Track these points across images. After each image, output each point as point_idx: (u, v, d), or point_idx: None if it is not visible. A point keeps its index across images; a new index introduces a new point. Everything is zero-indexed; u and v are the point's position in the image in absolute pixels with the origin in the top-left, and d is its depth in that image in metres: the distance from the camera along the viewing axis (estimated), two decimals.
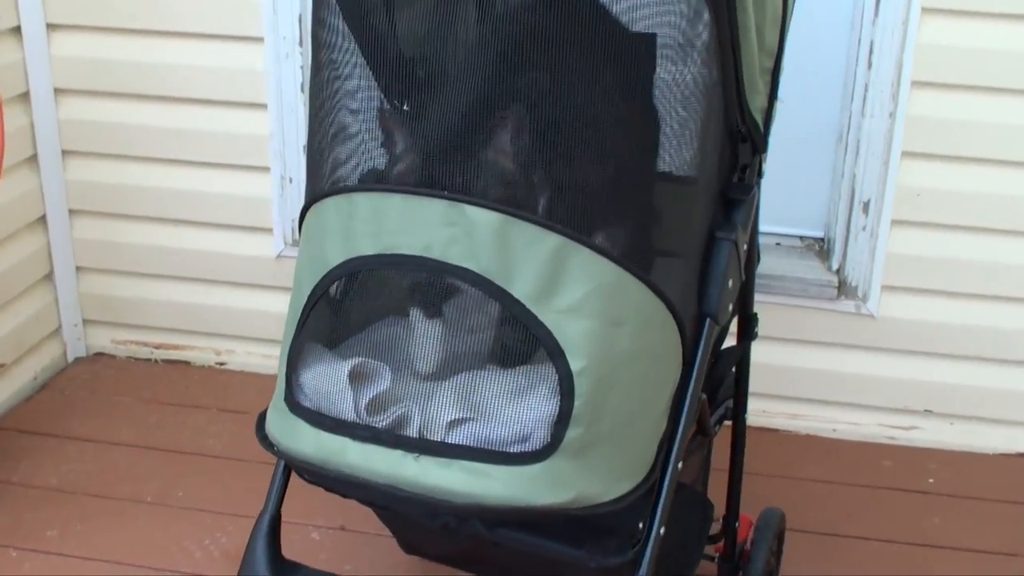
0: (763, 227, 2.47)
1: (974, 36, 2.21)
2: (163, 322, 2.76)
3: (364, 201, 1.23)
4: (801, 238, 2.55)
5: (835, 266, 2.44)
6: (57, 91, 2.57)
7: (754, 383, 2.48)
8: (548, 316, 1.17)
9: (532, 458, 1.18)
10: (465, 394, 1.23)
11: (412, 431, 1.22)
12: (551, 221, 1.18)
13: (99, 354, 2.80)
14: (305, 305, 1.28)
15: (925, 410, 2.48)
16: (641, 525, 1.30)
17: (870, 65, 2.27)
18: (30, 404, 2.60)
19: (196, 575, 2.03)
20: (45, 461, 2.36)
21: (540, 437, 1.19)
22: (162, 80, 2.53)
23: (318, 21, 1.31)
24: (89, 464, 2.36)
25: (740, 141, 1.40)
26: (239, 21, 2.45)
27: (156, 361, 2.78)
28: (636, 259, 1.22)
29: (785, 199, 2.51)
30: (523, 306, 1.16)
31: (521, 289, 1.17)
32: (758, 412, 2.45)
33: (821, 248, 2.52)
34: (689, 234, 1.33)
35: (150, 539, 2.13)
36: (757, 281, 2.37)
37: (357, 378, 1.27)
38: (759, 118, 1.42)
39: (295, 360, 1.30)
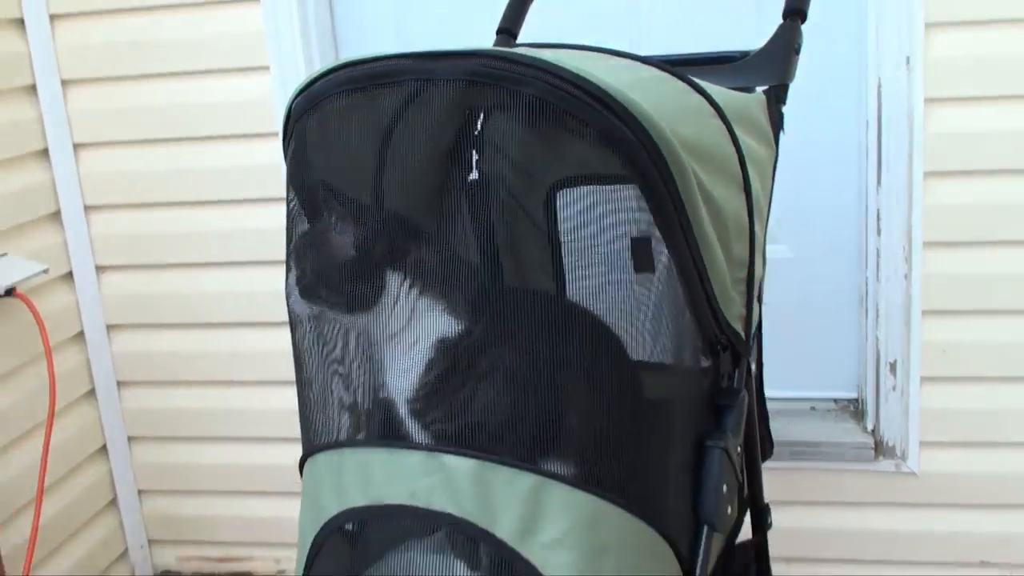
0: (796, 392, 2.56)
1: (981, 194, 2.26)
2: (224, 535, 2.84)
3: (352, 456, 1.32)
4: (835, 400, 2.58)
5: (870, 427, 2.45)
6: (109, 327, 2.71)
7: (802, 550, 2.50)
8: (533, 552, 1.22)
9: None
10: None
11: None
12: (525, 461, 1.24)
13: (166, 572, 2.88)
14: (308, 554, 1.36)
15: (981, 561, 2.46)
16: None
17: (879, 232, 2.32)
18: None
19: None
20: None
21: None
22: (208, 306, 2.66)
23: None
24: None
25: (721, 351, 1.45)
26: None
27: (220, 575, 2.85)
28: (612, 486, 1.27)
29: (816, 363, 2.55)
30: (506, 545, 1.22)
31: (504, 529, 1.23)
32: None
33: (856, 409, 2.53)
34: (673, 451, 1.37)
35: None
36: (793, 448, 2.43)
37: None
38: (738, 326, 1.47)
39: None
